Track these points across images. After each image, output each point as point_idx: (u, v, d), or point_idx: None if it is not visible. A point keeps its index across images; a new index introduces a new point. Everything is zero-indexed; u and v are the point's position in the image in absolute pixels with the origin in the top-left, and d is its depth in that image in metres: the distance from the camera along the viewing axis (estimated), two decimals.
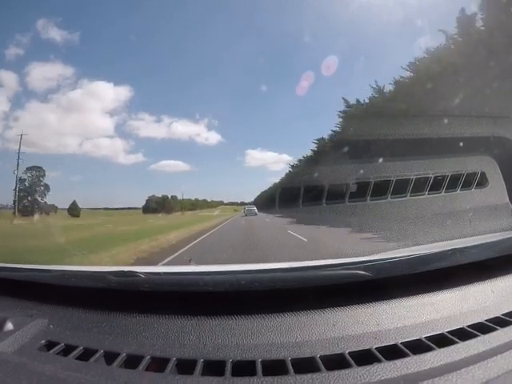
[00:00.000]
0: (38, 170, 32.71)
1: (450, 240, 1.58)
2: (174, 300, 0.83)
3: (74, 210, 32.99)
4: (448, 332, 0.68)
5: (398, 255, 0.98)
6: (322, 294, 0.81)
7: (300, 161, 28.18)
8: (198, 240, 9.38)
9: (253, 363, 0.61)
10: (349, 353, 0.62)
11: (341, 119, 19.44)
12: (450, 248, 0.99)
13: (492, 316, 0.75)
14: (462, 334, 0.67)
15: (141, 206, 44.94)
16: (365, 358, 0.61)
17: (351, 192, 8.41)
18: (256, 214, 28.24)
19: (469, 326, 0.70)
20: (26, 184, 32.35)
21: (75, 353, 0.66)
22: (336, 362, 0.60)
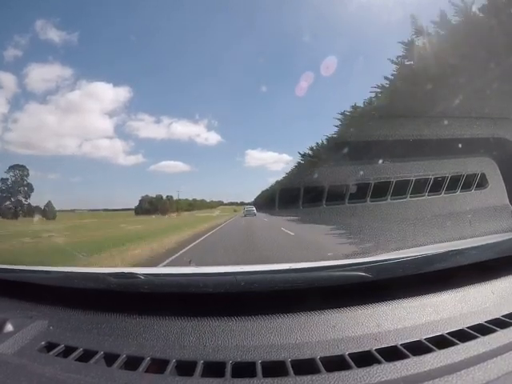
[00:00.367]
0: (21, 169, 31.07)
1: (450, 241, 1.58)
2: (173, 301, 0.83)
3: (47, 213, 29.99)
4: (448, 333, 0.68)
5: (397, 256, 0.98)
6: (321, 295, 0.81)
7: (300, 162, 28.19)
8: (175, 256, 6.52)
9: (253, 364, 0.61)
10: (349, 354, 0.62)
11: (340, 121, 19.45)
12: (449, 249, 0.99)
13: (492, 317, 0.75)
14: (462, 336, 0.67)
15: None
16: (365, 359, 0.61)
17: (351, 193, 8.41)
18: (255, 215, 28.41)
19: (469, 328, 0.70)
20: (9, 184, 30.70)
21: (75, 354, 0.66)
22: (336, 364, 0.60)
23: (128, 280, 0.87)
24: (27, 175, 31.70)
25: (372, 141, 12.29)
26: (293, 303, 0.79)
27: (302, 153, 26.20)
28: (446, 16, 11.93)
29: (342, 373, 0.57)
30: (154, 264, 5.84)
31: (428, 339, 0.66)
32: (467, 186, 4.59)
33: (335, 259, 1.10)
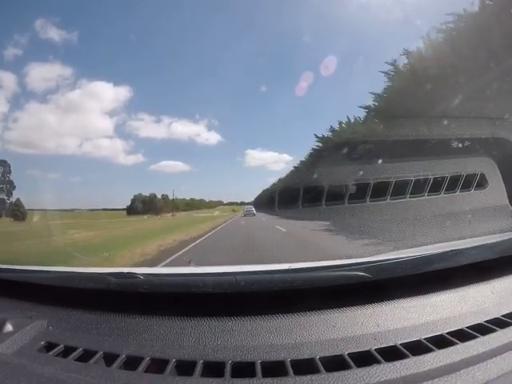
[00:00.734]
0: (2, 165, 28.81)
1: (450, 241, 1.58)
2: (173, 301, 0.83)
3: (15, 212, 26.12)
4: (447, 333, 0.68)
5: (397, 256, 0.98)
6: (321, 295, 0.81)
7: (300, 162, 28.22)
8: None
9: (252, 364, 0.61)
10: (348, 354, 0.62)
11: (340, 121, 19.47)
12: (449, 249, 0.99)
13: (491, 317, 0.75)
14: (462, 335, 0.67)
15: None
16: (364, 359, 0.61)
17: (350, 193, 8.41)
18: (254, 215, 28.85)
19: (468, 327, 0.71)
20: None
21: (75, 354, 0.66)
22: (335, 364, 0.60)
23: (127, 280, 0.87)
24: (9, 172, 29.54)
25: (372, 141, 12.31)
26: (292, 303, 0.79)
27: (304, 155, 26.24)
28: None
29: (342, 373, 0.57)
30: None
31: (427, 339, 0.66)
32: (467, 186, 4.60)
33: (335, 259, 1.10)
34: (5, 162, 29.32)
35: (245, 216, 28.06)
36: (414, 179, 5.96)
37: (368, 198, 7.24)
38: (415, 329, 0.71)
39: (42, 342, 0.71)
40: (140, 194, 42.07)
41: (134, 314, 0.79)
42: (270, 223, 16.83)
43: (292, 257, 5.60)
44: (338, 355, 0.63)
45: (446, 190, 5.10)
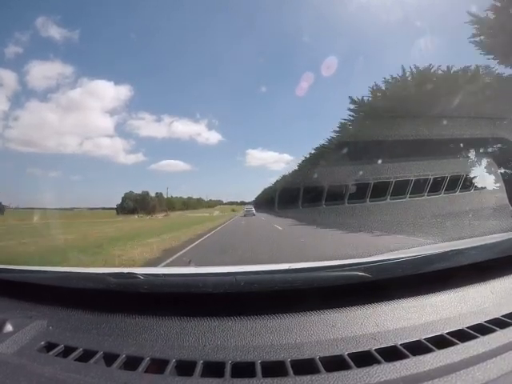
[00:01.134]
0: None
1: (450, 241, 1.58)
2: (173, 301, 0.83)
3: None
4: (447, 333, 0.68)
5: (397, 256, 0.98)
6: (321, 296, 0.81)
7: (300, 163, 28.26)
8: None
9: (252, 364, 0.61)
10: (348, 354, 0.62)
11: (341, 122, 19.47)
12: (449, 249, 0.99)
13: (491, 317, 0.75)
14: (462, 336, 0.67)
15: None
16: (364, 359, 0.61)
17: (350, 193, 8.43)
18: (254, 215, 29.39)
19: (468, 328, 0.70)
20: None
21: (75, 354, 0.66)
22: (335, 364, 0.60)
23: (128, 280, 0.87)
24: None
25: (372, 141, 12.30)
26: (292, 303, 0.79)
27: (307, 154, 26.17)
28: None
29: (342, 373, 0.57)
30: None
31: (427, 339, 0.66)
32: (467, 185, 4.60)
33: (334, 259, 1.10)
34: None
35: (245, 216, 28.24)
36: (414, 179, 5.97)
37: (368, 198, 7.25)
38: (415, 329, 0.71)
39: (42, 342, 0.71)
40: (131, 192, 39.01)
41: (134, 314, 0.79)
42: (270, 223, 16.99)
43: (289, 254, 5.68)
44: (337, 355, 0.63)
45: (446, 189, 5.10)
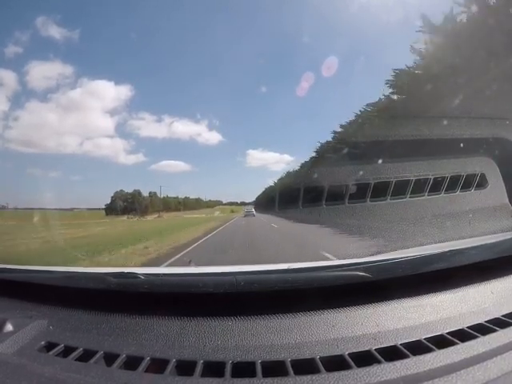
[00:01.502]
0: None
1: (450, 241, 1.58)
2: (173, 301, 0.83)
3: None
4: (448, 333, 0.68)
5: (397, 256, 0.98)
6: (321, 295, 0.81)
7: (300, 164, 28.30)
8: None
9: (252, 364, 0.61)
10: (348, 354, 0.62)
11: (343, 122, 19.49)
12: (449, 249, 0.99)
13: (492, 317, 0.75)
14: (462, 335, 0.67)
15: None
16: (364, 359, 0.61)
17: (351, 193, 8.42)
18: (254, 215, 29.86)
19: (468, 327, 0.70)
20: None
21: (75, 354, 0.66)
22: (336, 363, 0.60)
23: (128, 280, 0.87)
24: None
25: (372, 141, 12.30)
26: (292, 303, 0.79)
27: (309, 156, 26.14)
28: None
29: (342, 373, 0.57)
30: None
31: (428, 339, 0.66)
32: (467, 185, 4.60)
33: (335, 260, 1.10)
34: None
35: (245, 216, 28.44)
36: (414, 179, 5.97)
37: (368, 198, 7.24)
38: (415, 329, 0.71)
39: (43, 342, 0.71)
40: (121, 191, 35.63)
41: (135, 314, 0.79)
42: (269, 224, 17.26)
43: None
44: (338, 355, 0.63)
45: (446, 189, 5.10)
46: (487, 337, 0.67)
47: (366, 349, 0.64)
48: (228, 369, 0.60)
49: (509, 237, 1.10)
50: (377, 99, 16.05)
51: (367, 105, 16.76)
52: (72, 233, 13.11)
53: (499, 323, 0.72)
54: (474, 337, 0.67)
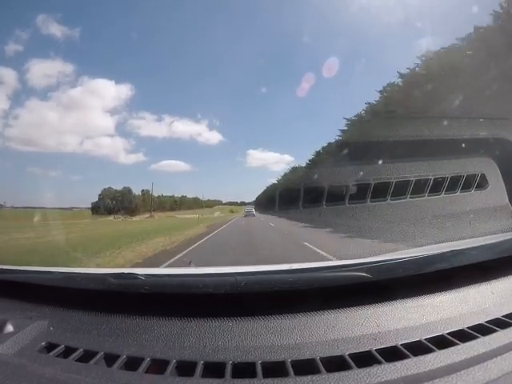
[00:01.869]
0: None
1: (450, 241, 1.58)
2: (174, 302, 0.83)
3: None
4: (448, 333, 0.68)
5: (398, 257, 0.98)
6: (321, 296, 0.81)
7: (301, 164, 28.32)
8: None
9: (253, 365, 0.61)
10: (349, 354, 0.62)
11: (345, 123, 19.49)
12: (449, 249, 0.99)
13: (492, 317, 0.75)
14: (462, 336, 0.67)
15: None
16: (365, 359, 0.61)
17: (351, 194, 8.42)
18: (254, 215, 30.02)
19: (469, 328, 0.70)
20: None
21: (75, 355, 0.66)
22: (336, 364, 0.60)
23: (128, 281, 0.87)
24: None
25: (372, 142, 12.30)
26: (293, 304, 0.79)
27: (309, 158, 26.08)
28: None
29: (342, 373, 0.57)
30: None
31: (428, 339, 0.66)
32: (467, 186, 4.60)
33: (335, 260, 1.10)
34: None
35: (245, 216, 28.52)
36: (414, 179, 5.97)
37: (368, 199, 7.24)
38: (416, 329, 0.71)
39: (43, 343, 0.71)
40: (110, 188, 31.82)
41: (135, 315, 0.79)
42: (268, 223, 17.44)
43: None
44: (338, 356, 0.63)
45: (446, 190, 5.10)
46: (488, 337, 0.67)
47: (367, 349, 0.64)
48: (228, 369, 0.60)
49: (509, 237, 1.10)
50: (377, 99, 16.09)
51: (367, 105, 16.79)
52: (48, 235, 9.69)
53: (500, 323, 0.72)
54: (475, 337, 0.67)
